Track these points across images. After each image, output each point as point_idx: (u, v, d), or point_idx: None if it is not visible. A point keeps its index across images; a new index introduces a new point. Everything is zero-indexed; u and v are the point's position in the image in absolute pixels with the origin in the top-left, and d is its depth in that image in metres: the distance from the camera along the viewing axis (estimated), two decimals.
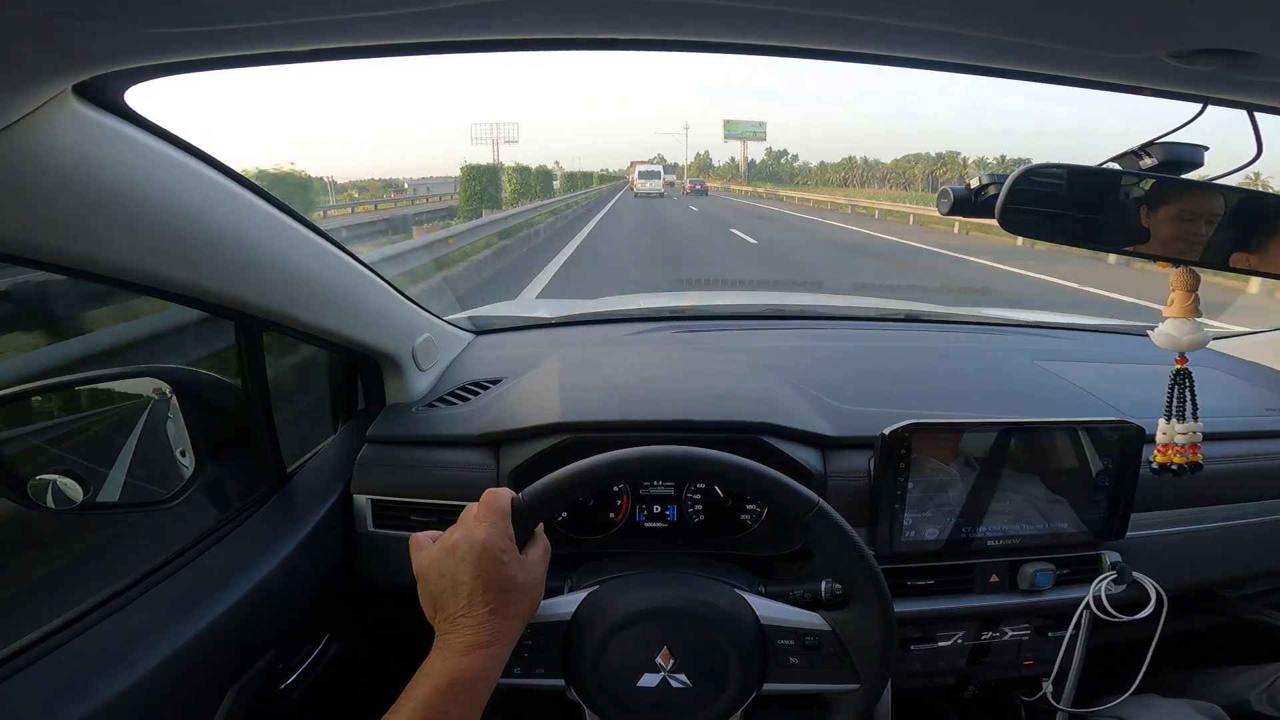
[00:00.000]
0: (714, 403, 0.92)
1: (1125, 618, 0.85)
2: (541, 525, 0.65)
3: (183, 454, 0.79)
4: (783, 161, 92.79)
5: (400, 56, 0.49)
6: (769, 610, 0.66)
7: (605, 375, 1.05)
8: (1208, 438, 0.97)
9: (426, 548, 0.60)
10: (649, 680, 0.63)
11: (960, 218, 0.66)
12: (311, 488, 0.88)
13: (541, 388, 0.98)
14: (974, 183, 0.66)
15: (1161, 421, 0.65)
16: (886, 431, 0.83)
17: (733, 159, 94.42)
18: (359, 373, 1.01)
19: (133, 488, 0.79)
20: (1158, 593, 0.87)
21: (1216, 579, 1.03)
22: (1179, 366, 0.61)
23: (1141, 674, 0.89)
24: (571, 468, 0.63)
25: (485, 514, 0.59)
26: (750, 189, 48.13)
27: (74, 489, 0.74)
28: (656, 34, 0.44)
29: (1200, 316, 0.57)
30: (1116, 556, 0.89)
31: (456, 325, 1.23)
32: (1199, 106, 0.49)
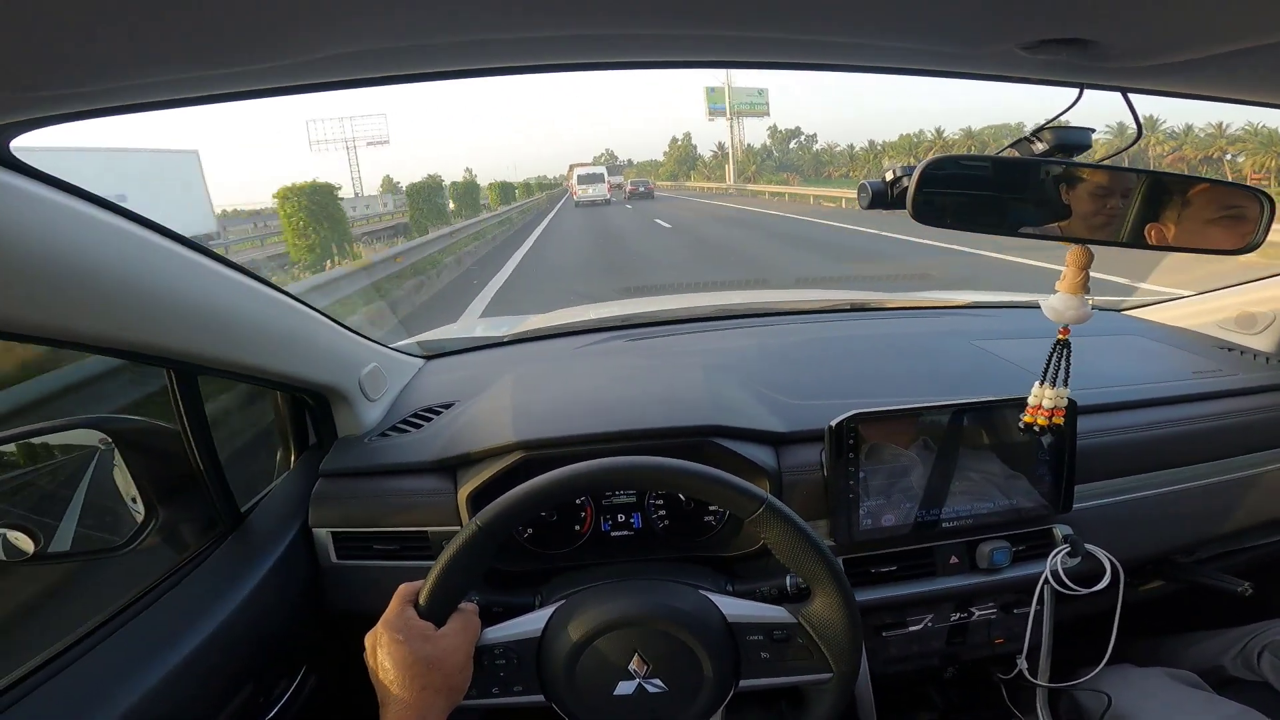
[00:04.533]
0: (664, 408, 0.93)
1: (1084, 590, 0.86)
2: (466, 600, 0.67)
3: (134, 500, 0.79)
4: (794, 145, 65.41)
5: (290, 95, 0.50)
6: (735, 608, 0.67)
7: (557, 391, 1.05)
8: (1139, 405, 1.01)
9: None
10: (625, 688, 0.64)
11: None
12: (268, 525, 0.88)
13: (494, 408, 0.98)
14: (889, 176, 0.67)
15: (1035, 385, 0.68)
16: (833, 423, 0.85)
17: (720, 145, 67.44)
18: (306, 408, 1.01)
19: (85, 536, 0.80)
20: (1112, 563, 0.88)
21: (1167, 546, 1.04)
22: (1061, 337, 0.64)
23: (1111, 644, 0.90)
24: (507, 498, 0.64)
25: (390, 605, 0.64)
26: (715, 186, 41.42)
27: (24, 541, 0.74)
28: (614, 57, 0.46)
29: (1088, 293, 0.59)
30: (1068, 530, 0.90)
31: (405, 352, 1.22)
32: (1076, 92, 0.51)
